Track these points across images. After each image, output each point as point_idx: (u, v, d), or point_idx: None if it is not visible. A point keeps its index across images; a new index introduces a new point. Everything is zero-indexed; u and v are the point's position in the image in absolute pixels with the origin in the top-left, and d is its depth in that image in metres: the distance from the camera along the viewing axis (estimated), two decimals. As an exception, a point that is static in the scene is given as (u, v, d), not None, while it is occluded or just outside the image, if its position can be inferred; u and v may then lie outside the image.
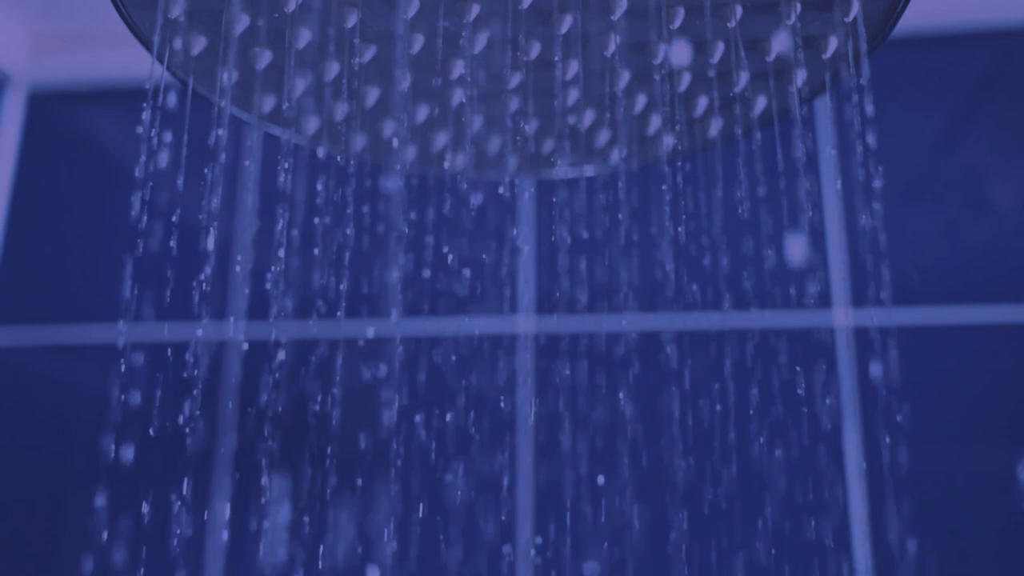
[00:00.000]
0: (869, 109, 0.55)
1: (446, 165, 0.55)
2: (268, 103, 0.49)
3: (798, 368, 0.82)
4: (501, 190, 0.87)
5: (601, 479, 0.82)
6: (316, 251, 0.86)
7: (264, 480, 0.84)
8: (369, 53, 0.45)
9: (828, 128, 0.87)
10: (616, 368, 0.84)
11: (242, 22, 0.42)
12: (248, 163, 0.93)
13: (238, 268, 0.92)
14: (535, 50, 0.45)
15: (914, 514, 0.77)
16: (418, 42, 0.44)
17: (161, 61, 0.43)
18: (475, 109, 0.51)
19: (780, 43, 0.44)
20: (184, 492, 0.86)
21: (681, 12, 0.42)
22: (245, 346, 0.90)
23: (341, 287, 0.84)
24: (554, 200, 0.89)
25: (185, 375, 0.89)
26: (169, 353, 0.90)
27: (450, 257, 0.87)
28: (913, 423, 0.79)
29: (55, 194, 1.01)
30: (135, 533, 0.85)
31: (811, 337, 0.83)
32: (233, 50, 0.43)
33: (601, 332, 0.85)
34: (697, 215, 0.84)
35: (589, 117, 0.51)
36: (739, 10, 0.41)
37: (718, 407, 0.82)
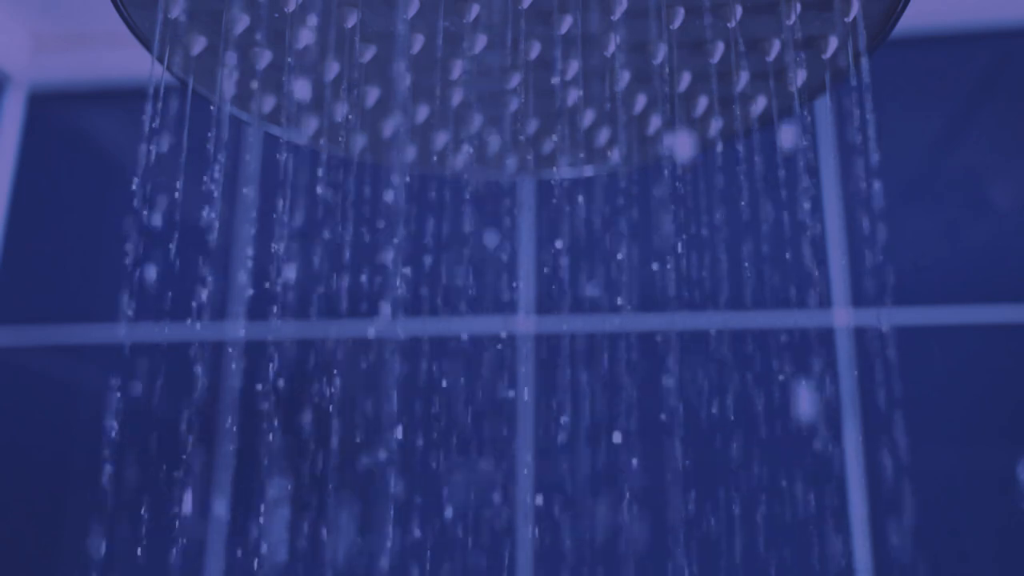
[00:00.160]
0: (869, 109, 0.55)
1: (446, 165, 0.55)
2: (268, 103, 0.49)
3: (798, 368, 0.82)
4: (501, 190, 0.87)
5: (600, 480, 0.82)
6: (316, 251, 0.86)
7: (264, 480, 0.84)
8: (369, 53, 0.45)
9: (828, 128, 0.87)
10: (616, 368, 0.84)
11: (242, 22, 0.42)
12: (249, 161, 0.93)
13: (238, 268, 0.92)
14: (535, 50, 0.45)
15: (914, 514, 0.77)
16: (418, 42, 0.44)
17: (161, 61, 0.43)
18: (475, 109, 0.51)
19: (780, 44, 0.44)
20: (184, 492, 0.86)
21: (681, 12, 0.42)
22: (245, 346, 0.90)
23: (341, 287, 0.84)
24: (554, 200, 0.89)
25: (185, 375, 0.89)
26: (169, 353, 0.90)
27: (450, 257, 0.87)
28: (913, 423, 0.79)
29: (55, 194, 1.01)
30: (135, 533, 0.85)
31: (811, 337, 0.83)
32: (233, 50, 0.43)
33: (601, 332, 0.85)
34: (697, 215, 0.84)
35: (589, 117, 0.51)
36: (739, 10, 0.42)
37: (717, 407, 0.82)
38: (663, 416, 0.83)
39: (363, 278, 0.87)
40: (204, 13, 0.41)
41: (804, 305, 0.83)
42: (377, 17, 0.42)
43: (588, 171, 0.56)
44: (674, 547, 0.80)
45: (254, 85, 0.46)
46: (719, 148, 0.53)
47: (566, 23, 0.42)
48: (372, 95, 0.49)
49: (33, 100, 1.03)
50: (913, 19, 0.47)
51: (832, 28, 0.42)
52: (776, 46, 0.44)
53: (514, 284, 0.88)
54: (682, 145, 0.48)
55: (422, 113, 0.51)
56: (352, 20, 0.42)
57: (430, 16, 0.42)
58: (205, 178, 0.60)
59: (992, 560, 0.78)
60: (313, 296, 0.87)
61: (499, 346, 0.86)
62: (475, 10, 0.42)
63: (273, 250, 0.90)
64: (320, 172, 0.74)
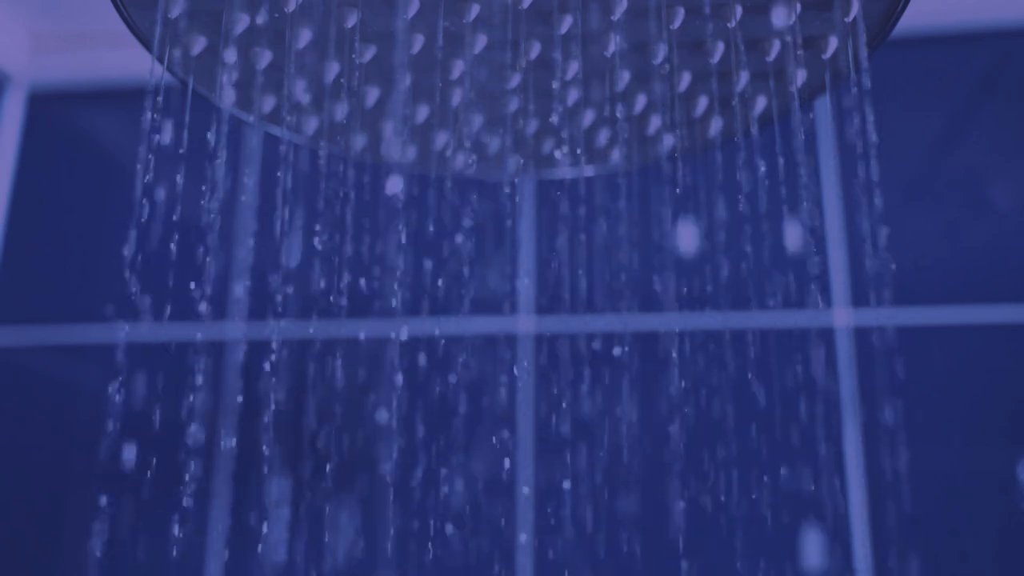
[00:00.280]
0: (869, 109, 0.55)
1: (446, 165, 0.55)
2: (268, 103, 0.49)
3: (798, 368, 0.82)
4: (501, 190, 0.87)
5: (600, 480, 0.82)
6: (316, 251, 0.86)
7: (264, 480, 0.84)
8: (369, 53, 0.45)
9: (828, 128, 0.87)
10: (616, 368, 0.84)
11: (242, 22, 0.42)
12: (248, 162, 0.93)
13: (238, 268, 0.92)
14: (535, 50, 0.45)
15: (914, 514, 0.77)
16: (418, 42, 0.44)
17: (161, 61, 0.43)
18: (475, 109, 0.51)
19: (780, 44, 0.44)
20: (184, 492, 0.86)
21: (681, 12, 0.42)
22: (245, 346, 0.90)
23: (341, 286, 0.84)
24: (554, 200, 0.89)
25: (185, 375, 0.89)
26: (169, 353, 0.90)
27: (450, 257, 0.87)
28: (913, 423, 0.79)
29: (55, 194, 1.01)
30: (135, 533, 0.85)
31: (811, 337, 0.83)
32: (233, 50, 0.43)
33: (601, 332, 0.85)
34: (697, 215, 0.84)
35: (589, 117, 0.51)
36: (739, 10, 0.42)
37: (717, 407, 0.82)
38: (663, 416, 0.83)
39: (363, 278, 0.87)
40: (204, 13, 0.41)
41: (804, 305, 0.83)
42: (377, 17, 0.42)
43: (588, 171, 0.56)
44: (674, 546, 0.80)
45: (254, 85, 0.46)
46: (719, 148, 0.53)
47: (566, 23, 0.42)
48: (372, 95, 0.49)
49: (33, 100, 1.03)
50: (913, 19, 0.47)
51: (832, 28, 0.42)
52: (776, 46, 0.44)
53: (514, 284, 0.88)
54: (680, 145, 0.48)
55: (422, 113, 0.51)
56: (352, 20, 0.42)
57: (430, 16, 0.42)
58: (205, 178, 0.60)
59: (992, 560, 0.78)
60: (313, 296, 0.87)
61: (499, 346, 0.86)
62: (475, 10, 0.42)
63: (272, 249, 0.90)
64: (320, 172, 0.74)
